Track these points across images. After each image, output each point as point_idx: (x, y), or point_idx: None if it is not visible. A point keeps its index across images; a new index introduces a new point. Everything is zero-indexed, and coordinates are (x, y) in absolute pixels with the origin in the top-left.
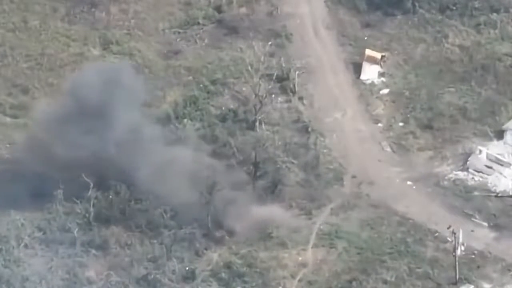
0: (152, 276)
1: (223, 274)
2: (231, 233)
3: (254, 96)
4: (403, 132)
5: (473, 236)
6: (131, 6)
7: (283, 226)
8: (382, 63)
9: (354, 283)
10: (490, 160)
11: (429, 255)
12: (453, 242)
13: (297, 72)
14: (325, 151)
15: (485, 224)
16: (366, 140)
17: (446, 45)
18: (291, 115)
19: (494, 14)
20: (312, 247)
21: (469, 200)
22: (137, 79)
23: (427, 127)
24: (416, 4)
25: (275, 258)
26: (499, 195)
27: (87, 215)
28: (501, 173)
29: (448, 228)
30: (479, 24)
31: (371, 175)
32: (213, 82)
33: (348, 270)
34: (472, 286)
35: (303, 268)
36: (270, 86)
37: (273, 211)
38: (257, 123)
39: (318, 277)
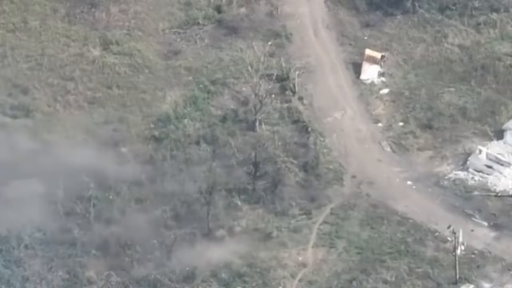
0: (152, 276)
1: (223, 274)
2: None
3: (254, 96)
4: (403, 132)
5: (473, 235)
6: (131, 6)
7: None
8: (382, 63)
9: (354, 282)
10: (490, 159)
11: (429, 255)
12: (453, 242)
13: (297, 72)
14: (325, 151)
15: (485, 223)
16: (366, 140)
17: (446, 45)
18: (291, 115)
19: (494, 14)
20: (312, 247)
21: (469, 200)
22: None
23: (427, 127)
24: (416, 4)
25: (275, 258)
26: (499, 194)
27: (87, 215)
28: (501, 173)
29: (448, 228)
30: (479, 24)
31: (371, 175)
32: (213, 82)
33: (348, 270)
34: (472, 286)
35: (303, 268)
36: (270, 86)
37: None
38: (257, 123)
39: (318, 277)
